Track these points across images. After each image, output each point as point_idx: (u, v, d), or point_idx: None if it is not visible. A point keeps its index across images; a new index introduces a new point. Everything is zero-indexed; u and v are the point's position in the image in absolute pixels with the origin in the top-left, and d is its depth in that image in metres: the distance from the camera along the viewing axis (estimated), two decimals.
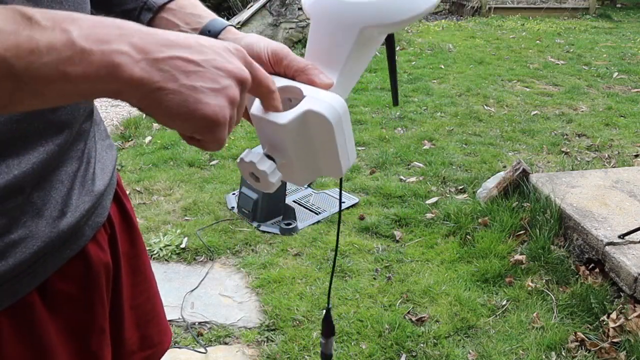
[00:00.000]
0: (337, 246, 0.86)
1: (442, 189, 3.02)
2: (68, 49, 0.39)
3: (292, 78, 0.60)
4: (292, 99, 0.58)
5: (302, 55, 0.65)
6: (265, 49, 0.63)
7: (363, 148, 3.58)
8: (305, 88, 0.57)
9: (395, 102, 0.73)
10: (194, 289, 2.20)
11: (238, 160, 0.57)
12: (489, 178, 2.94)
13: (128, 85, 0.42)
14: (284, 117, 0.54)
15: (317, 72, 0.59)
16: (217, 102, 0.46)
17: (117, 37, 0.41)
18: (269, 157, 0.56)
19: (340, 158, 0.56)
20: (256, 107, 0.56)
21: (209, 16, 0.70)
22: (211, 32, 0.69)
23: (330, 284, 0.76)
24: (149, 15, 0.72)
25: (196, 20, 0.70)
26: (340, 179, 0.66)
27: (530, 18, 9.14)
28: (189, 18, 0.70)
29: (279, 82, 0.59)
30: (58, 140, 0.60)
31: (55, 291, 0.65)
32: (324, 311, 0.76)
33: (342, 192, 2.95)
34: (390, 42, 0.65)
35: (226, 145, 3.58)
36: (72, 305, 0.68)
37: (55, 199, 0.62)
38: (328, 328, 0.80)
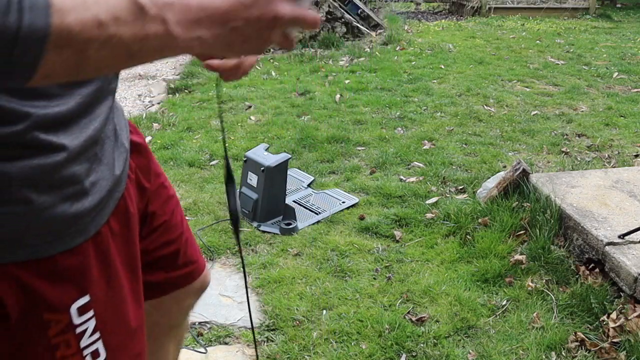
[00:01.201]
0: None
1: (442, 189, 3.02)
2: (166, 37, 0.53)
3: None
4: None
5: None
6: None
7: (363, 148, 3.58)
8: None
9: None
10: None
11: None
12: (489, 178, 2.94)
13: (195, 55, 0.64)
14: None
15: None
16: (263, 45, 0.58)
17: (196, 22, 0.53)
18: None
19: None
20: None
21: None
22: None
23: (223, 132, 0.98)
24: None
25: None
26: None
27: (530, 18, 9.14)
28: None
29: None
30: (109, 101, 0.79)
31: (112, 227, 0.80)
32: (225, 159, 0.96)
33: (342, 192, 2.96)
34: None
35: (226, 145, 3.58)
36: (122, 240, 0.83)
37: (108, 150, 0.79)
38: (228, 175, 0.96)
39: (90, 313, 0.75)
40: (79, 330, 0.75)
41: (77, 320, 0.74)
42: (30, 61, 0.47)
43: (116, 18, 0.50)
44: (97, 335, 0.76)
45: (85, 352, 0.75)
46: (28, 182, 0.67)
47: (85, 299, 0.74)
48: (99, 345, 0.77)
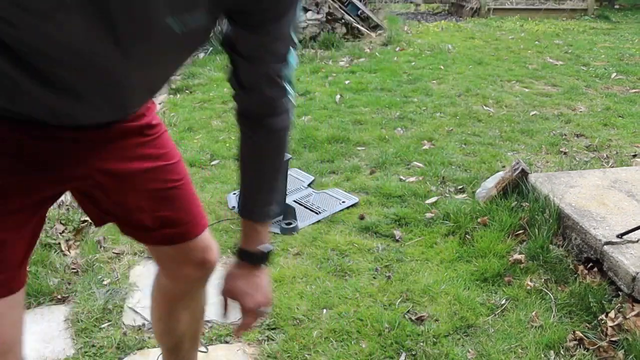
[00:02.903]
0: None
1: (441, 188, 3.03)
2: None
3: None
4: None
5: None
6: None
7: (363, 148, 3.59)
8: None
9: None
10: None
11: None
12: (488, 178, 2.95)
13: None
14: None
15: None
16: None
17: None
18: None
19: None
20: None
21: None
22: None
23: None
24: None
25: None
26: None
27: (529, 19, 9.16)
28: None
29: None
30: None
31: None
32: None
33: (342, 192, 2.97)
34: None
35: (226, 145, 3.60)
36: None
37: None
38: None
39: None
40: None
41: None
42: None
43: None
44: None
45: None
46: None
47: None
48: None
